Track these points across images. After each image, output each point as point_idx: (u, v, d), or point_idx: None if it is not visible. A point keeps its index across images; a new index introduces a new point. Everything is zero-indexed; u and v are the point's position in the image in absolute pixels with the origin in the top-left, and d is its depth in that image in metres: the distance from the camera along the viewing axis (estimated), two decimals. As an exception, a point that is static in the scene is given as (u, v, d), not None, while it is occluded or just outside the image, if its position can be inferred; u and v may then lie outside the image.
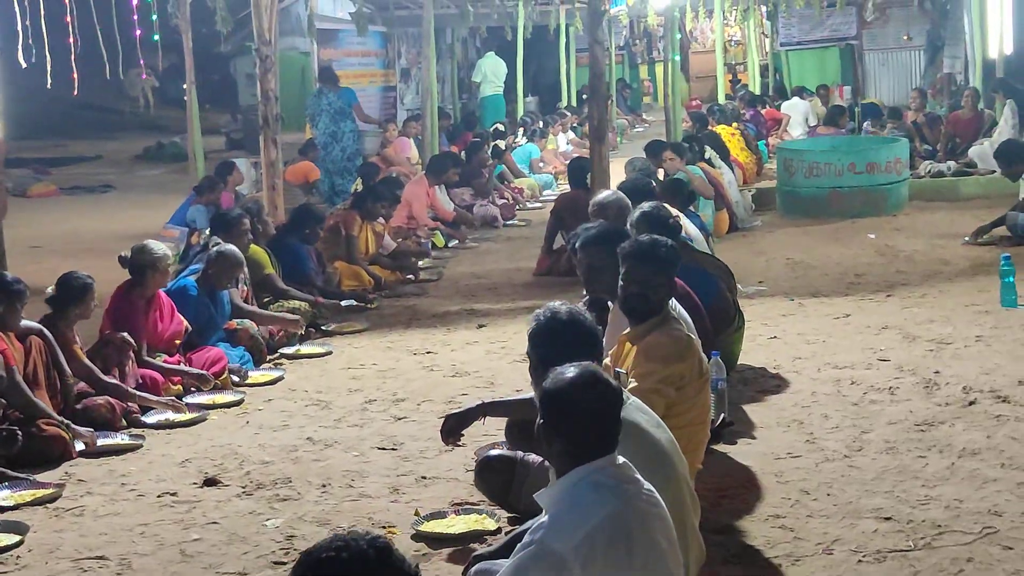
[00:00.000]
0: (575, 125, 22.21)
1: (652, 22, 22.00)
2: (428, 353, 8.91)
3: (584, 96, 26.09)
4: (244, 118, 19.76)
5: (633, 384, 5.15)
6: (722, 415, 6.67)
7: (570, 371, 3.77)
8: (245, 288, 9.21)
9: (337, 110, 16.75)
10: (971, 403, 6.96)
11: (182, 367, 7.96)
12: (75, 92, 12.91)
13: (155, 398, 7.46)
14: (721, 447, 6.47)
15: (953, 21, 23.87)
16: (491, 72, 22.95)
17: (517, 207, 15.92)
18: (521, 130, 19.77)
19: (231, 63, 21.40)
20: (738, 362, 8.00)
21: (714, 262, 7.70)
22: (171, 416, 7.41)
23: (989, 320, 8.85)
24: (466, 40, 26.92)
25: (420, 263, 12.18)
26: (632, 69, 33.42)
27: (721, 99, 20.50)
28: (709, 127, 16.67)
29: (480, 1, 19.95)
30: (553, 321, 4.58)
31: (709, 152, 14.21)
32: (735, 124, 17.54)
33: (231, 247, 8.55)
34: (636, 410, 4.48)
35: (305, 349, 9.16)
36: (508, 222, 15.11)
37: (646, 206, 7.27)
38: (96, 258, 12.63)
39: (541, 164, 18.36)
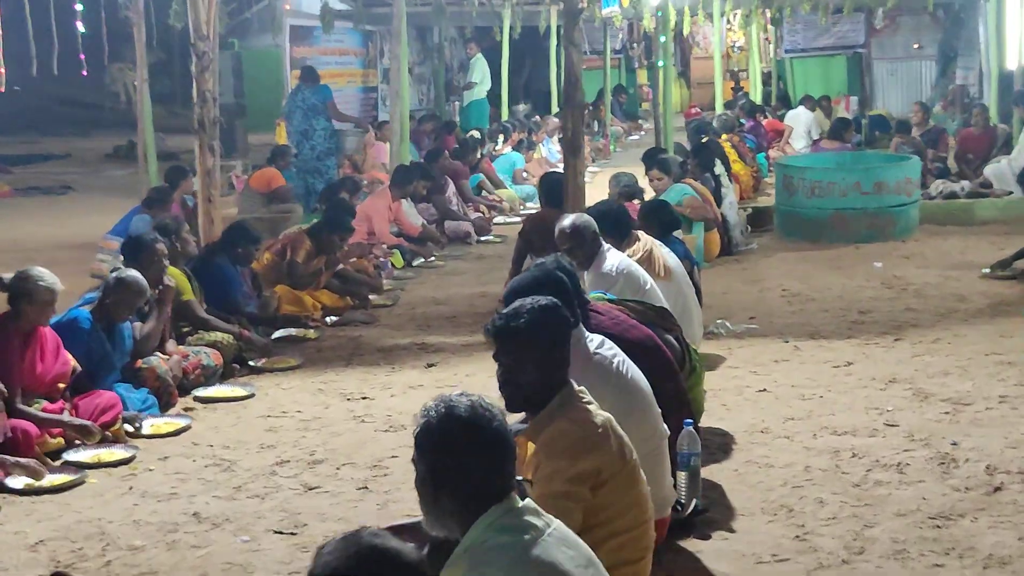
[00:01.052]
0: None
1: (648, 25, 20.74)
2: (363, 399, 7.69)
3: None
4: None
5: (537, 491, 3.94)
6: (694, 500, 5.47)
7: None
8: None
9: (310, 107, 15.57)
10: (996, 489, 5.74)
11: (62, 417, 6.73)
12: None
13: (12, 459, 6.23)
14: (691, 543, 5.26)
15: (967, 30, 22.69)
16: (481, 76, 21.67)
17: (493, 221, 14.71)
18: (501, 137, 18.53)
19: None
20: (718, 422, 6.81)
21: (641, 309, 6.49)
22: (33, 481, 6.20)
23: (1013, 375, 7.62)
24: (454, 40, 25.66)
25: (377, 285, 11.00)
26: (629, 73, 32.17)
27: (719, 107, 19.26)
28: (708, 137, 15.43)
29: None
30: (448, 422, 3.35)
31: (720, 168, 12.99)
32: (731, 134, 16.32)
33: (133, 274, 7.32)
34: (557, 545, 3.26)
35: (222, 391, 7.94)
36: (482, 238, 13.88)
37: (541, 261, 6.03)
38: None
39: (525, 175, 17.15)
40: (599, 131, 23.64)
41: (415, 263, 12.36)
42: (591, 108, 24.57)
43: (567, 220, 7.29)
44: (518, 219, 14.38)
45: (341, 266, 10.56)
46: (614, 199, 10.71)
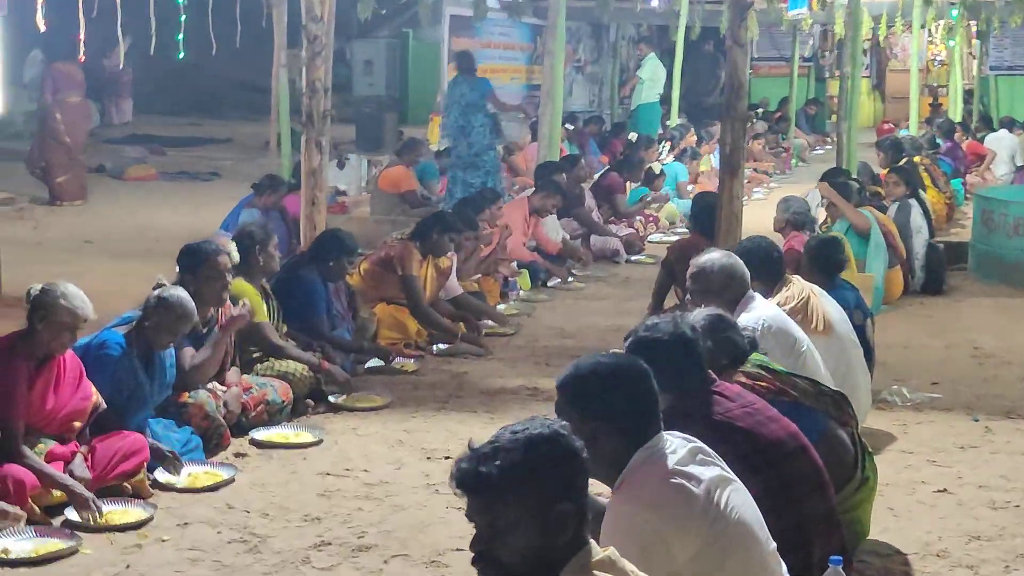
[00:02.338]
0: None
1: (840, 31, 18.97)
2: (445, 458, 6.35)
3: (760, 111, 23.28)
4: (358, 110, 17.45)
5: None
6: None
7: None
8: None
9: (469, 103, 14.18)
10: None
11: (64, 479, 5.44)
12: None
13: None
14: None
15: None
16: (653, 75, 20.08)
17: (648, 239, 13.28)
18: (668, 145, 17.01)
19: (346, 47, 19.14)
20: (881, 533, 5.29)
21: (813, 391, 5.01)
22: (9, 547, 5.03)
23: None
24: (632, 39, 24.16)
25: (498, 307, 9.69)
26: (819, 83, 30.26)
27: (913, 125, 17.43)
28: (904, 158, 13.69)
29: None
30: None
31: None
32: (923, 156, 14.56)
33: (178, 293, 6.10)
34: None
35: (284, 434, 6.70)
36: (632, 257, 12.44)
37: (698, 318, 4.65)
38: (143, 262, 10.48)
39: (690, 188, 15.63)
40: (781, 144, 21.94)
41: (550, 283, 10.99)
42: (774, 118, 22.95)
43: (702, 258, 5.85)
44: (676, 237, 12.87)
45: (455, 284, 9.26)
46: (782, 225, 9.25)
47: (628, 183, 13.97)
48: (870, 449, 5.13)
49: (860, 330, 7.18)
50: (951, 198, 14.96)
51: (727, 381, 4.60)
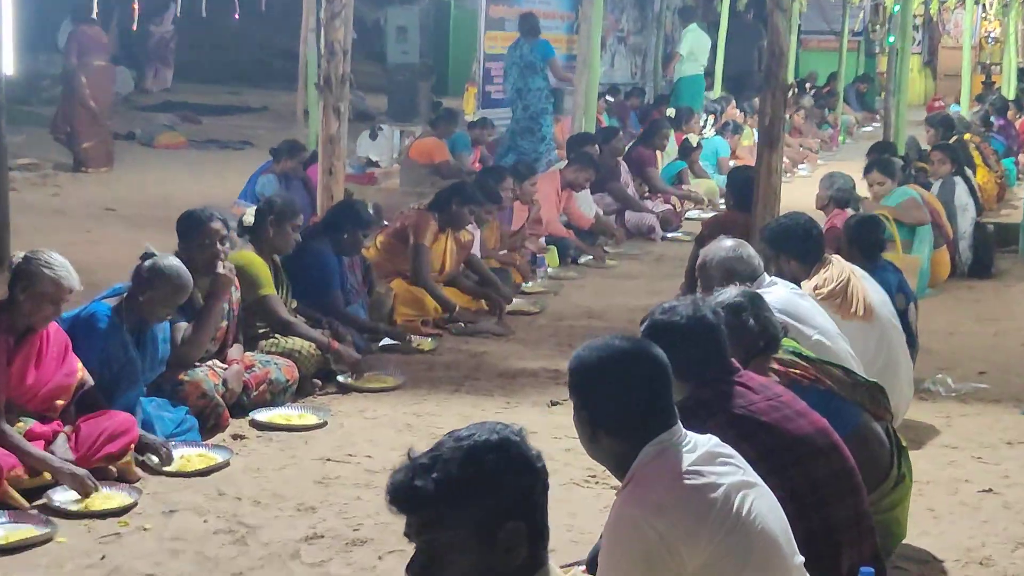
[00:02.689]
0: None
1: (891, 4, 18.39)
2: (456, 445, 5.96)
3: (808, 86, 22.68)
4: (391, 78, 16.99)
5: None
6: None
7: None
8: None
9: (527, 64, 13.60)
10: None
11: (49, 458, 5.13)
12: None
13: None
14: None
15: None
16: (693, 48, 19.47)
17: (685, 216, 12.83)
18: (711, 118, 16.50)
19: (380, 13, 18.68)
20: (919, 537, 4.87)
21: (849, 380, 4.58)
22: (-23, 537, 4.69)
23: None
24: (677, 9, 23.53)
25: (524, 286, 9.29)
26: (868, 58, 29.58)
27: (964, 102, 16.87)
28: (955, 136, 13.17)
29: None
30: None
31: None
32: (975, 134, 14.03)
33: (172, 262, 5.74)
34: None
35: (287, 415, 6.33)
36: (668, 234, 12.00)
37: (730, 295, 4.27)
38: (161, 231, 10.12)
39: (732, 163, 15.12)
40: (828, 119, 21.36)
41: (581, 260, 10.57)
42: (822, 93, 22.38)
43: (706, 250, 5.42)
44: (714, 213, 12.38)
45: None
46: (824, 202, 8.79)
47: (658, 153, 13.45)
48: (905, 443, 4.70)
49: (903, 315, 6.77)
50: (1002, 177, 14.38)
51: (760, 369, 4.22)
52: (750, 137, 16.23)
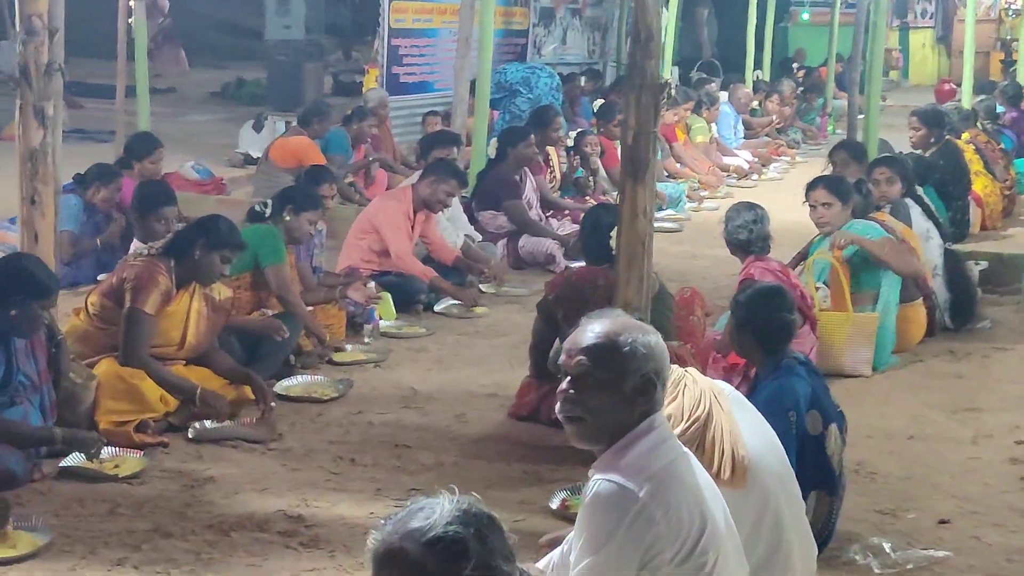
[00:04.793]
0: (755, 106, 16.14)
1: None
2: None
3: (796, 67, 20.19)
4: (270, 58, 14.48)
5: None
6: None
7: None
8: None
9: None
10: None
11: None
12: None
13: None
14: None
15: None
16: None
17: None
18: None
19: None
20: None
21: None
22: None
23: None
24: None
25: (335, 355, 6.82)
26: (867, 34, 26.92)
27: (966, 89, 14.30)
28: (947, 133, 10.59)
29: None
30: None
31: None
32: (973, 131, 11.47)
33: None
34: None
35: None
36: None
37: None
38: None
39: (679, 166, 12.61)
40: (817, 108, 18.72)
41: (438, 307, 8.02)
42: (809, 75, 19.83)
43: (584, 329, 3.11)
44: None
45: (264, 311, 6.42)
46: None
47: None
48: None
49: (818, 442, 4.44)
50: (1011, 186, 11.79)
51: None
52: (705, 133, 13.60)
